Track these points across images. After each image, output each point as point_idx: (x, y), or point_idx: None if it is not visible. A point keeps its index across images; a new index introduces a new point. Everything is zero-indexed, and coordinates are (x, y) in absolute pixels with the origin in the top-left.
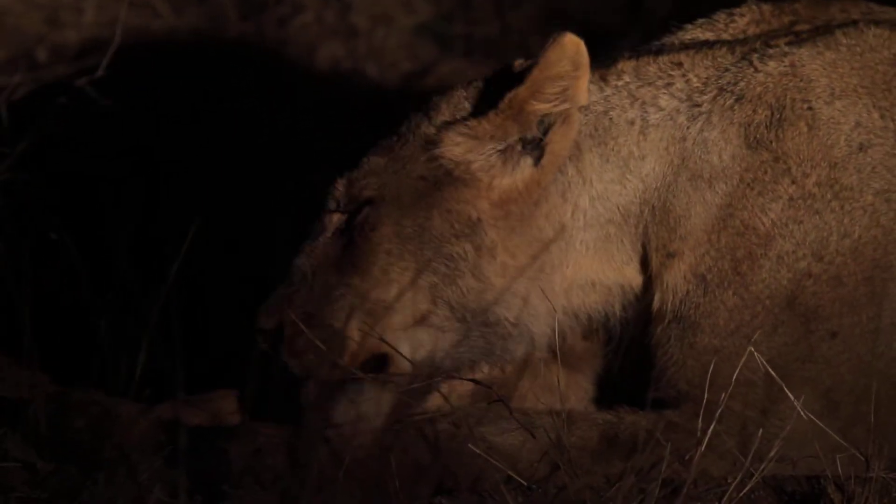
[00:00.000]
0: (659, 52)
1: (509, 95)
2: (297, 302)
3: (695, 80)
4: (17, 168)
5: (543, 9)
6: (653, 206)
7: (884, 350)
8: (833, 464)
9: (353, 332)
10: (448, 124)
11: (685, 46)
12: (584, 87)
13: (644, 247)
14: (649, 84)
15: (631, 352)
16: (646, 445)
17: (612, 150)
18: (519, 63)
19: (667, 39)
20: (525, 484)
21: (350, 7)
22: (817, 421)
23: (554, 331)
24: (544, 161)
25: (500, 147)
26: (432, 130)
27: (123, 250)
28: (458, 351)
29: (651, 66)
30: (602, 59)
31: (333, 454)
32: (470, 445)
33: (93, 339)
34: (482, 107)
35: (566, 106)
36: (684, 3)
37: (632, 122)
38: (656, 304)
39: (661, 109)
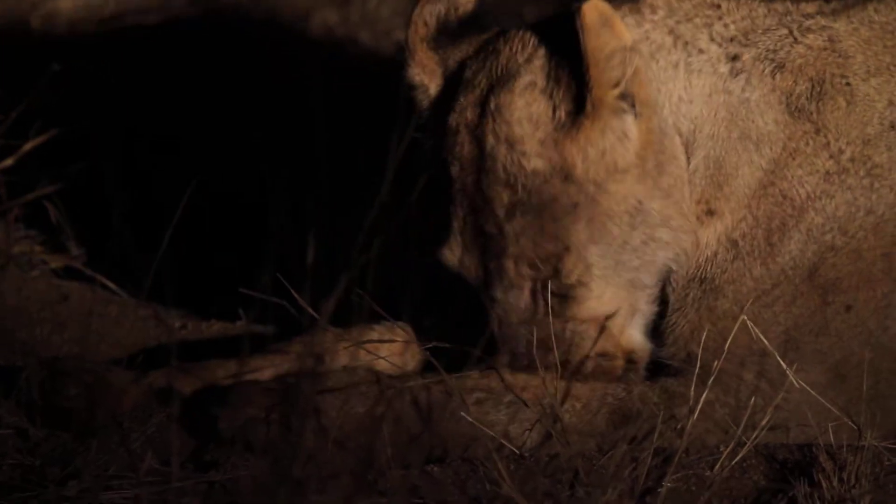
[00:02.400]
0: None
1: (588, 105)
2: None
3: (732, 27)
4: (10, 135)
5: None
6: (707, 155)
7: (892, 325)
8: (826, 432)
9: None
10: (550, 144)
11: None
12: (625, 31)
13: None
14: (687, 20)
15: None
16: (640, 415)
17: (665, 95)
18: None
19: None
20: (517, 452)
21: None
22: (818, 396)
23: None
24: (639, 110)
25: (610, 138)
26: (540, 164)
27: (118, 219)
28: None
29: (685, 3)
30: None
31: (325, 423)
32: (462, 414)
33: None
34: (559, 104)
35: (632, 67)
36: None
37: (676, 65)
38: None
39: (703, 53)
